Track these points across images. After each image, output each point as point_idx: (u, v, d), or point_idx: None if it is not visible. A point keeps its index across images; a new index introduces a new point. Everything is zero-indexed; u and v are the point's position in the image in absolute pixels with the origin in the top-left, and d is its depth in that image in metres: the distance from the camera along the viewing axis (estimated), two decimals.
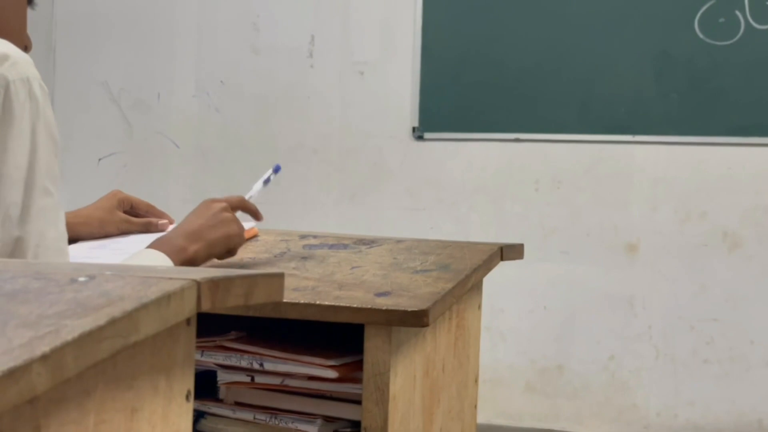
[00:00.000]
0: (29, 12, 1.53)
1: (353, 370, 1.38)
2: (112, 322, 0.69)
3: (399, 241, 1.82)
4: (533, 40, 3.87)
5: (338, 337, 1.44)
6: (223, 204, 1.58)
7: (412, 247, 1.72)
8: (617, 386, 3.87)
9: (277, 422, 1.42)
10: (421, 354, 1.43)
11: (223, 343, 1.46)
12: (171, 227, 1.85)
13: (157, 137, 4.34)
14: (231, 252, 1.58)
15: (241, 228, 1.58)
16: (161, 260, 1.45)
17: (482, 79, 3.91)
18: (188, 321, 0.84)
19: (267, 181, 1.72)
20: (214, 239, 1.53)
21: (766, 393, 3.72)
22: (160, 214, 1.90)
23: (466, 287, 1.53)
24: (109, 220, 1.85)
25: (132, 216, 1.88)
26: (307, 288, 1.44)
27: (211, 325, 1.42)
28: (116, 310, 0.70)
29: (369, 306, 1.34)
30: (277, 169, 1.72)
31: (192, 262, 1.49)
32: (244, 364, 1.44)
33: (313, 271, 1.56)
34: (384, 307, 1.33)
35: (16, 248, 1.32)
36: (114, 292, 0.75)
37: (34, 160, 1.33)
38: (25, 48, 1.49)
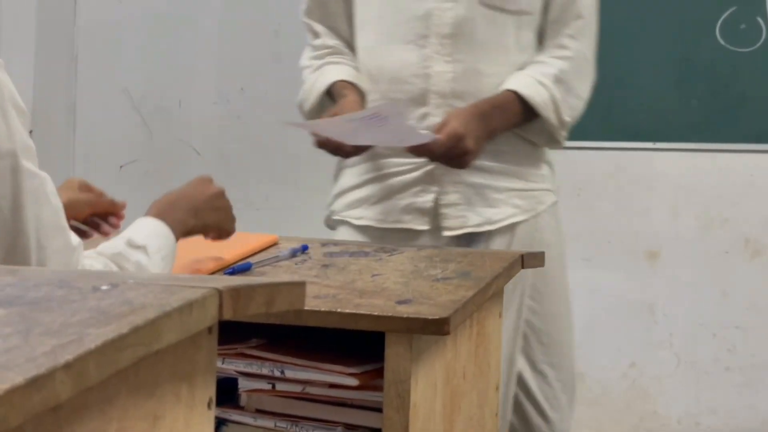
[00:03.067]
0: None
1: (374, 378, 1.38)
2: (135, 331, 0.69)
3: (419, 248, 1.82)
4: None
5: (359, 345, 1.44)
6: (223, 190, 1.67)
7: (432, 255, 1.72)
8: (638, 394, 3.85)
9: (298, 430, 1.42)
10: (441, 362, 1.43)
11: (244, 350, 1.46)
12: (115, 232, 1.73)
13: (178, 144, 4.36)
14: (220, 236, 1.66)
15: (233, 219, 1.66)
16: (164, 232, 1.49)
17: None
18: (210, 329, 0.84)
19: (294, 253, 1.75)
20: (211, 223, 1.61)
21: None
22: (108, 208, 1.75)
23: (487, 295, 1.53)
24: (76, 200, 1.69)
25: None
26: (328, 296, 1.44)
27: (231, 332, 1.43)
28: (138, 319, 0.70)
29: (390, 314, 1.34)
30: (304, 248, 1.78)
31: (185, 234, 1.56)
32: (265, 371, 1.44)
33: (334, 278, 1.56)
34: (405, 315, 1.33)
35: (17, 238, 1.25)
36: (136, 301, 0.75)
37: (13, 144, 1.23)
38: None
